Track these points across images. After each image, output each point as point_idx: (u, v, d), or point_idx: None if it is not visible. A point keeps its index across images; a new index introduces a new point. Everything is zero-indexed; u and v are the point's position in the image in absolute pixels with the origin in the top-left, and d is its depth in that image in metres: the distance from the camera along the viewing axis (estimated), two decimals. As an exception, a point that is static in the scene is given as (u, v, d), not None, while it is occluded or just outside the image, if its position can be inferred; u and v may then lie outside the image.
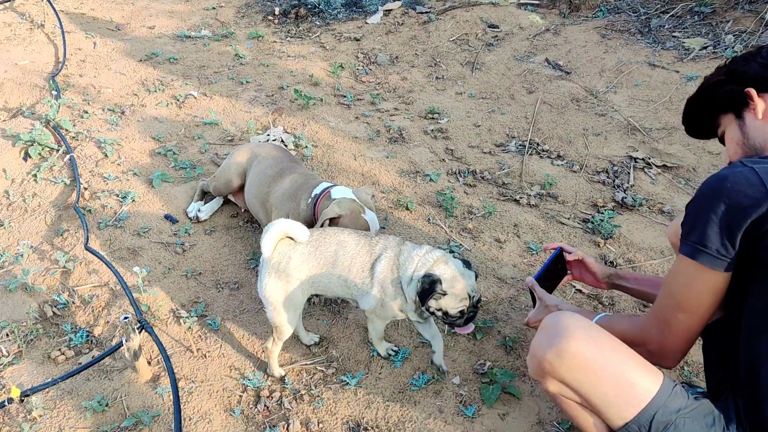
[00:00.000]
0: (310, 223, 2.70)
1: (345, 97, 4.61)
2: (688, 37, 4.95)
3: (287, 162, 3.15)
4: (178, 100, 4.47)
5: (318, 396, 2.31)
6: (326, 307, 2.73)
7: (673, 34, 5.06)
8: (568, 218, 3.33)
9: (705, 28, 5.02)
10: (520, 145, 4.01)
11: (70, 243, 3.06)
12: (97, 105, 4.36)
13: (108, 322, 2.64)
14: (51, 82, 4.52)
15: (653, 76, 4.54)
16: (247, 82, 4.81)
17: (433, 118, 4.34)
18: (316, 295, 2.59)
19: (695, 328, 1.66)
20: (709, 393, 1.75)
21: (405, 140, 4.06)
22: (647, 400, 1.59)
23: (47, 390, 2.29)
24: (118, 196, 3.38)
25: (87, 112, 4.21)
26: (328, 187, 2.79)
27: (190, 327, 2.61)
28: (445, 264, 2.16)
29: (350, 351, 2.53)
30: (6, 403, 2.16)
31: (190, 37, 5.65)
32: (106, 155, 3.73)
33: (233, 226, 3.28)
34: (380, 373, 2.42)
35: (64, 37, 5.26)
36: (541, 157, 3.90)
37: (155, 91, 4.59)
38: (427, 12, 5.87)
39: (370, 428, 2.18)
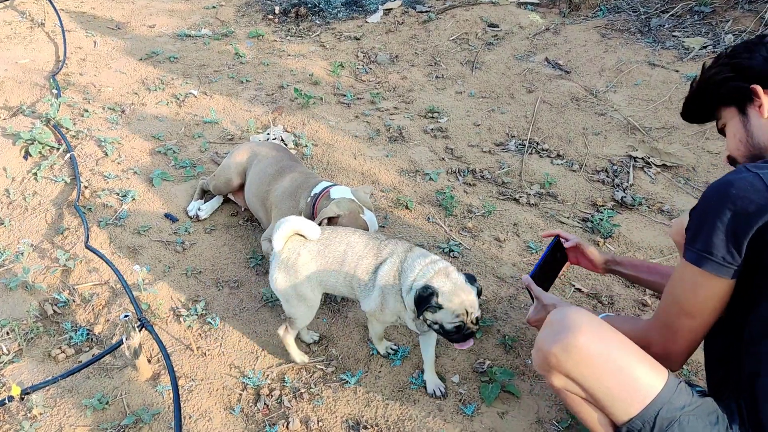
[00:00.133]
0: (310, 222, 2.70)
1: (345, 96, 4.62)
2: (687, 37, 4.95)
3: (287, 161, 3.15)
4: (178, 98, 4.48)
5: (318, 394, 2.31)
6: (326, 306, 2.74)
7: (673, 33, 5.06)
8: (568, 217, 3.34)
9: (705, 28, 5.02)
10: (519, 144, 4.02)
11: (70, 241, 3.07)
12: (97, 104, 4.36)
13: (108, 320, 2.64)
14: (51, 80, 4.52)
15: (653, 75, 4.55)
16: (247, 81, 4.81)
17: (432, 117, 4.34)
18: (328, 295, 2.58)
19: (700, 332, 1.66)
20: (709, 391, 1.74)
21: (405, 139, 4.06)
22: (652, 396, 1.58)
23: (47, 388, 2.30)
24: (118, 194, 3.39)
25: (87, 111, 4.21)
26: (327, 187, 2.80)
27: (190, 325, 2.61)
28: (445, 277, 2.11)
29: (350, 349, 2.53)
30: (6, 401, 2.16)
31: (190, 35, 5.65)
32: (106, 154, 3.73)
33: (233, 224, 3.28)
34: (380, 372, 2.42)
35: (64, 36, 5.26)
36: (540, 156, 3.90)
37: (155, 89, 4.60)
38: (427, 11, 5.88)
39: (369, 426, 2.19)
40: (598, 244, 3.13)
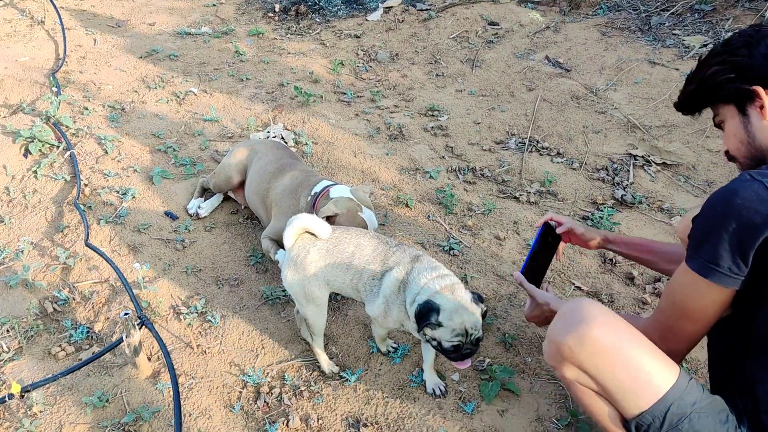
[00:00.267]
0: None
1: (345, 94, 4.62)
2: (688, 35, 4.95)
3: (287, 159, 3.15)
4: (178, 96, 4.47)
5: (317, 392, 2.31)
6: (326, 304, 2.74)
7: (673, 31, 5.06)
8: (568, 215, 3.34)
9: (705, 26, 5.02)
10: (519, 142, 4.02)
11: (70, 239, 3.07)
12: (97, 102, 4.36)
13: (108, 318, 2.65)
14: (51, 78, 4.52)
15: (653, 73, 4.54)
16: (247, 79, 4.81)
17: (433, 116, 4.34)
18: (337, 294, 2.56)
19: (699, 334, 1.66)
20: (712, 390, 1.75)
21: (405, 137, 4.06)
22: (664, 390, 1.58)
23: (48, 386, 2.30)
24: (118, 192, 3.39)
25: (87, 109, 4.21)
26: (328, 186, 2.80)
27: (190, 323, 2.61)
28: (450, 293, 2.04)
29: (350, 347, 2.54)
30: (6, 398, 2.16)
31: (190, 33, 5.65)
32: (106, 152, 3.73)
33: (233, 222, 3.28)
34: (380, 370, 2.42)
35: (64, 34, 5.26)
36: (540, 154, 3.90)
37: (155, 87, 4.60)
38: (427, 9, 5.87)
39: (369, 424, 2.19)
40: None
